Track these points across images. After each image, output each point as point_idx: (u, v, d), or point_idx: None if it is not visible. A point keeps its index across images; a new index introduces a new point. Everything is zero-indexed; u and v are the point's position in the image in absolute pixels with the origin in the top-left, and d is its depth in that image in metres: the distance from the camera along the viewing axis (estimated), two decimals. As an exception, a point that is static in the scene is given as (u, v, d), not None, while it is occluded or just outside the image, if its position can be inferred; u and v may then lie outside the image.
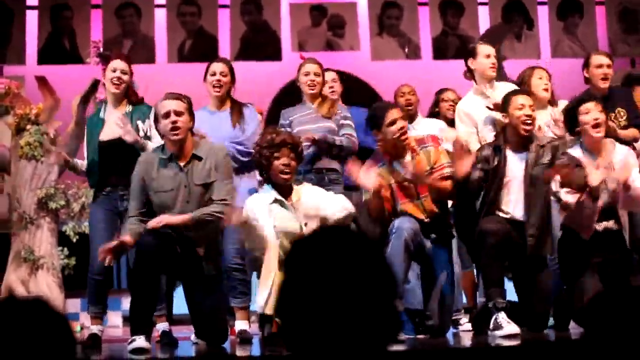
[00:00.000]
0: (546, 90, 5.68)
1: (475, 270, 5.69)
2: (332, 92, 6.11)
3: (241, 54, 10.01)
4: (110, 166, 5.23)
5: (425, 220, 4.86)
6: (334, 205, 4.67)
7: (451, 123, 6.04)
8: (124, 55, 5.64)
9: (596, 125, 4.96)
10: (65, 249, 7.76)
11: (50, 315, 1.45)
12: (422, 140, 5.01)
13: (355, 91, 8.49)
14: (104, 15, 10.21)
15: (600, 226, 4.93)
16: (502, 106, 5.04)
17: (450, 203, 5.16)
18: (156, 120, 4.68)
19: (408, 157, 4.92)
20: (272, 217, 4.55)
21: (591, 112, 4.97)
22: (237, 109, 5.49)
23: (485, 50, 5.79)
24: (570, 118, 5.09)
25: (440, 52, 10.54)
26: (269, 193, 4.67)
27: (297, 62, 5.98)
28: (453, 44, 10.72)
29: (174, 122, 4.54)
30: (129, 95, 5.42)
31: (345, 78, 6.25)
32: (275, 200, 4.62)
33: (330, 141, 5.44)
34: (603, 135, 5.00)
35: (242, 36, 10.40)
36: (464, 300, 6.07)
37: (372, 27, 10.57)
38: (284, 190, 4.70)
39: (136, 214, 4.63)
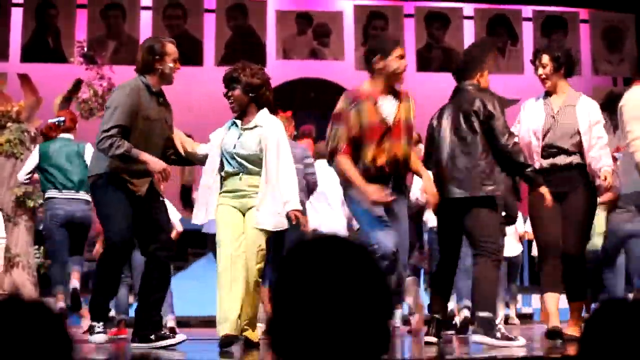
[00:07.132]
0: None
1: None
2: None
3: (225, 59, 10.01)
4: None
5: (386, 168, 4.80)
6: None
7: None
8: None
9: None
10: (42, 247, 7.73)
11: (49, 316, 1.45)
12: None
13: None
14: (89, 15, 10.20)
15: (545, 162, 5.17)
16: None
17: None
18: (155, 54, 4.89)
19: (390, 97, 4.92)
20: (223, 137, 4.88)
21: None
22: None
23: None
24: None
25: (424, 64, 10.58)
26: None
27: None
28: (437, 57, 10.77)
29: (178, 69, 4.97)
30: None
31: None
32: (233, 124, 4.91)
33: None
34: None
35: (227, 41, 10.40)
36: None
37: (357, 37, 10.60)
38: (241, 117, 4.94)
39: (119, 133, 4.73)
